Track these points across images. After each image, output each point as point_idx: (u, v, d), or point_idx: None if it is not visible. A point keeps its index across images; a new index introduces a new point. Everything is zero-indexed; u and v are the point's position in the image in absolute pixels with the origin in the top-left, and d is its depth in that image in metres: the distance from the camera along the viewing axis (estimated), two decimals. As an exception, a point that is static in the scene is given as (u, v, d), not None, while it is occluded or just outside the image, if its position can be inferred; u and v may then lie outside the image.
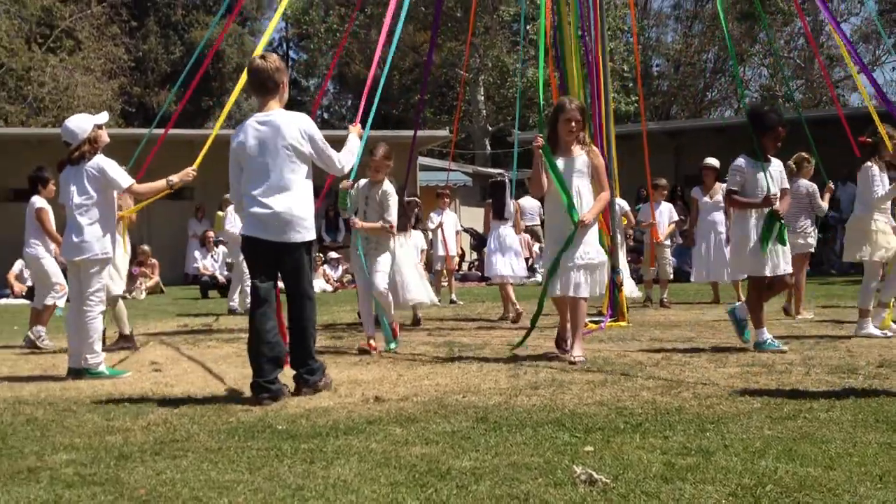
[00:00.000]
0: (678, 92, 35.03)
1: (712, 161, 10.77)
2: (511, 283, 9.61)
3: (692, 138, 20.06)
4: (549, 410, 4.42)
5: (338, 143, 5.30)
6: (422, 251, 11.77)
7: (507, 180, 9.83)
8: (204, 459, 3.64)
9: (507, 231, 9.65)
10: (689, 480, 3.14)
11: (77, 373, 6.02)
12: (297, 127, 4.99)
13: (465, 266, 18.80)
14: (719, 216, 10.70)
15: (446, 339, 7.68)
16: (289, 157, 4.94)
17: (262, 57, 5.12)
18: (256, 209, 4.94)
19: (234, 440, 3.97)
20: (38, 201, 7.92)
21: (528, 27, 28.59)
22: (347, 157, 5.36)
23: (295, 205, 4.94)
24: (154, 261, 16.30)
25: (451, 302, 11.96)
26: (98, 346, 6.09)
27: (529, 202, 20.31)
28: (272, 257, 5.01)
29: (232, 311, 11.16)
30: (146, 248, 16.10)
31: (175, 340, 8.17)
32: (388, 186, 7.05)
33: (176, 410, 4.69)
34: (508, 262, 9.53)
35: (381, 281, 7.05)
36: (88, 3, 28.86)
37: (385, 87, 8.25)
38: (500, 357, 6.44)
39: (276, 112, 5.02)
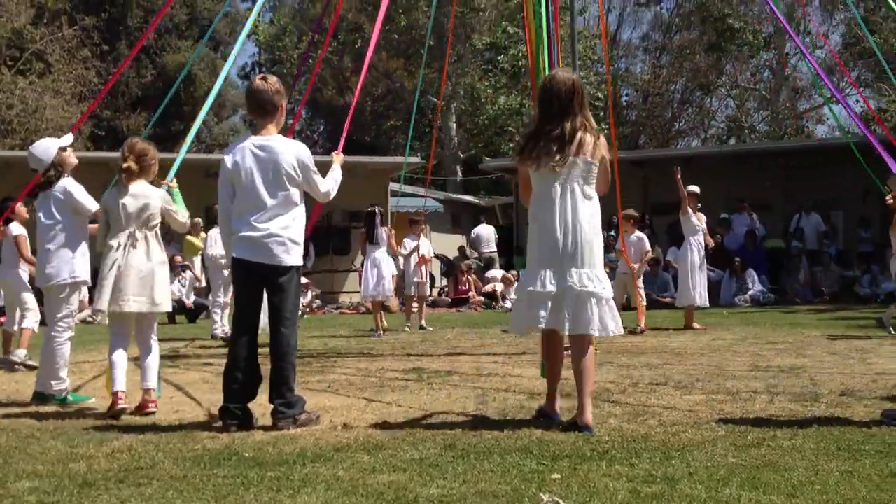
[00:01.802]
0: (646, 122, 35.47)
1: (694, 188, 11.36)
2: (381, 301, 11.51)
3: (659, 168, 20.29)
4: (516, 438, 4.44)
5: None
6: (393, 276, 11.82)
7: (377, 210, 11.54)
8: (169, 487, 3.61)
9: (381, 255, 11.44)
10: (653, 508, 3.17)
11: (42, 397, 5.94)
12: (294, 156, 4.97)
13: (434, 292, 18.81)
14: (702, 240, 11.31)
15: (415, 366, 7.68)
16: (285, 182, 4.92)
17: (263, 78, 5.07)
18: (249, 232, 4.90)
19: (200, 468, 3.94)
20: (15, 228, 7.97)
21: (499, 57, 28.96)
22: (332, 185, 5.31)
23: (287, 228, 4.93)
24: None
25: (421, 328, 11.98)
26: (63, 373, 6.00)
27: (485, 230, 20.62)
28: (262, 280, 4.98)
29: (214, 338, 10.70)
30: None
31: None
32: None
33: (141, 437, 4.64)
34: (381, 283, 11.32)
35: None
36: (60, 26, 28.70)
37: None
38: (468, 383, 6.45)
39: (275, 138, 5.00)
